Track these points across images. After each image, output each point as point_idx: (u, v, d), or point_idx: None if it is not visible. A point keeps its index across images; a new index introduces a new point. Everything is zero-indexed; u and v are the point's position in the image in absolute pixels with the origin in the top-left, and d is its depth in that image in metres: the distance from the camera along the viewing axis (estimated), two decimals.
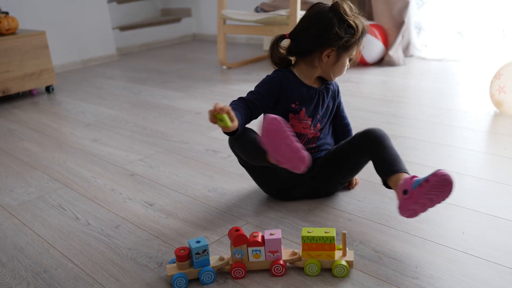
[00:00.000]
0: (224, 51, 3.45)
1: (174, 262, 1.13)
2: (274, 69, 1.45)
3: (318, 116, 1.42)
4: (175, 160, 1.87)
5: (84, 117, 2.55)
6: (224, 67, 3.54)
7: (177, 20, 4.96)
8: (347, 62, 1.39)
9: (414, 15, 3.24)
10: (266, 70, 3.30)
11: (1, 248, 1.33)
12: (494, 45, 2.99)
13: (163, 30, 4.86)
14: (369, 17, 3.34)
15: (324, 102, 1.43)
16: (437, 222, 1.29)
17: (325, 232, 1.10)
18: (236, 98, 1.37)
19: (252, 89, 1.43)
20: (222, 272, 1.14)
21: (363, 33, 1.35)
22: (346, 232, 1.10)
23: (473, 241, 1.19)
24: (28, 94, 3.15)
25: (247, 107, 1.32)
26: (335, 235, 1.10)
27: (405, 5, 3.15)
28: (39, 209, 1.55)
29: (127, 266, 1.20)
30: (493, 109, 2.14)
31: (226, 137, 2.06)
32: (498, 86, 2.03)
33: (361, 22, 1.34)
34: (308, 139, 1.43)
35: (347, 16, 1.31)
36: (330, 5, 1.33)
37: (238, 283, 1.11)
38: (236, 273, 1.12)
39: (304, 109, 1.39)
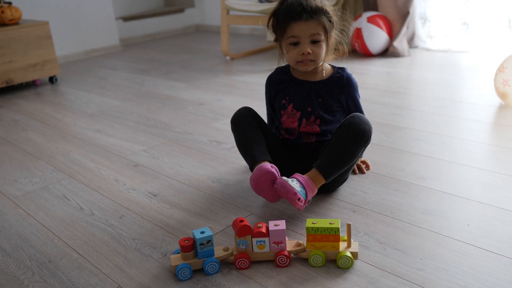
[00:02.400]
0: (228, 41, 3.43)
1: (178, 253, 1.13)
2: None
3: (309, 109, 1.40)
4: (179, 151, 1.86)
5: (88, 108, 2.54)
6: (228, 57, 3.52)
7: (180, 10, 4.94)
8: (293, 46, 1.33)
9: (419, 5, 3.21)
10: (270, 61, 3.29)
11: (6, 238, 1.33)
12: (500, 36, 2.96)
13: (166, 21, 4.84)
14: (374, 7, 3.31)
15: (319, 96, 1.40)
16: (442, 213, 1.28)
17: (329, 223, 1.09)
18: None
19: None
20: (227, 263, 1.14)
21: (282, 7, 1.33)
22: (350, 223, 1.10)
23: (478, 233, 1.19)
24: (31, 85, 3.15)
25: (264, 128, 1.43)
26: (339, 226, 1.09)
27: None
28: (43, 199, 1.55)
29: (131, 256, 1.20)
30: (498, 100, 2.13)
31: (230, 128, 2.05)
32: (502, 80, 2.02)
33: None
34: (300, 133, 1.42)
35: None
36: None
37: (242, 273, 1.11)
38: (241, 263, 1.11)
39: (292, 104, 1.41)
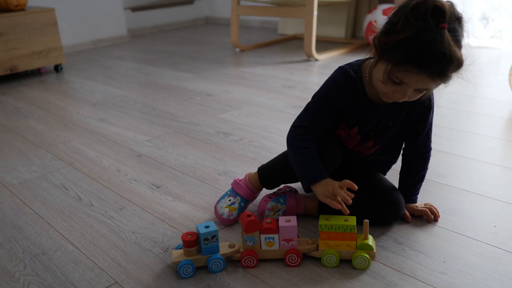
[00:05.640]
0: (237, 33, 3.35)
1: (181, 248, 1.05)
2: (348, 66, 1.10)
3: (373, 134, 1.15)
4: (184, 141, 1.78)
5: (92, 97, 2.47)
6: (237, 49, 3.43)
7: (190, 2, 4.85)
8: (385, 79, 0.97)
9: None
10: (280, 54, 3.20)
11: None
12: None
13: (176, 12, 4.75)
14: None
15: (388, 121, 1.13)
16: (465, 213, 1.19)
17: (345, 220, 1.01)
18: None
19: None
20: (232, 260, 1.05)
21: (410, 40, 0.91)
22: (368, 220, 1.01)
23: (506, 235, 1.09)
24: (36, 73, 3.08)
25: (315, 145, 1.09)
26: (355, 223, 1.00)
27: None
28: (41, 188, 1.47)
29: (130, 250, 1.12)
30: None
31: (238, 119, 1.99)
32: None
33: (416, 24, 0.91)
34: (348, 150, 1.18)
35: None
36: None
37: (249, 272, 1.02)
38: (247, 261, 1.03)
39: (357, 127, 1.13)
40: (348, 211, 1.01)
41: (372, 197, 1.12)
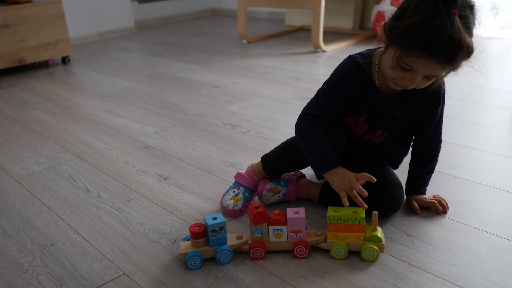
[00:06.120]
0: (244, 24, 3.33)
1: (188, 239, 1.05)
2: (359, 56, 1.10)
3: (381, 123, 1.15)
4: (191, 133, 1.78)
5: (99, 88, 2.47)
6: (244, 41, 3.42)
7: None
8: (393, 65, 0.96)
9: None
10: (287, 45, 3.18)
11: (8, 219, 1.26)
12: None
13: (182, 4, 4.74)
14: None
15: (395, 110, 1.12)
16: (474, 205, 1.18)
17: (353, 212, 1.00)
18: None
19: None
20: (240, 252, 1.05)
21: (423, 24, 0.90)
22: (377, 212, 1.00)
23: None
24: (43, 65, 3.08)
25: (325, 133, 1.10)
26: (364, 215, 1.00)
27: None
28: (49, 179, 1.48)
29: (138, 242, 1.13)
30: None
31: (245, 111, 1.98)
32: None
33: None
34: (356, 138, 1.19)
35: None
36: None
37: (257, 264, 1.02)
38: (255, 253, 1.03)
39: (366, 115, 1.13)
40: (366, 206, 1.01)
41: (370, 189, 1.07)
